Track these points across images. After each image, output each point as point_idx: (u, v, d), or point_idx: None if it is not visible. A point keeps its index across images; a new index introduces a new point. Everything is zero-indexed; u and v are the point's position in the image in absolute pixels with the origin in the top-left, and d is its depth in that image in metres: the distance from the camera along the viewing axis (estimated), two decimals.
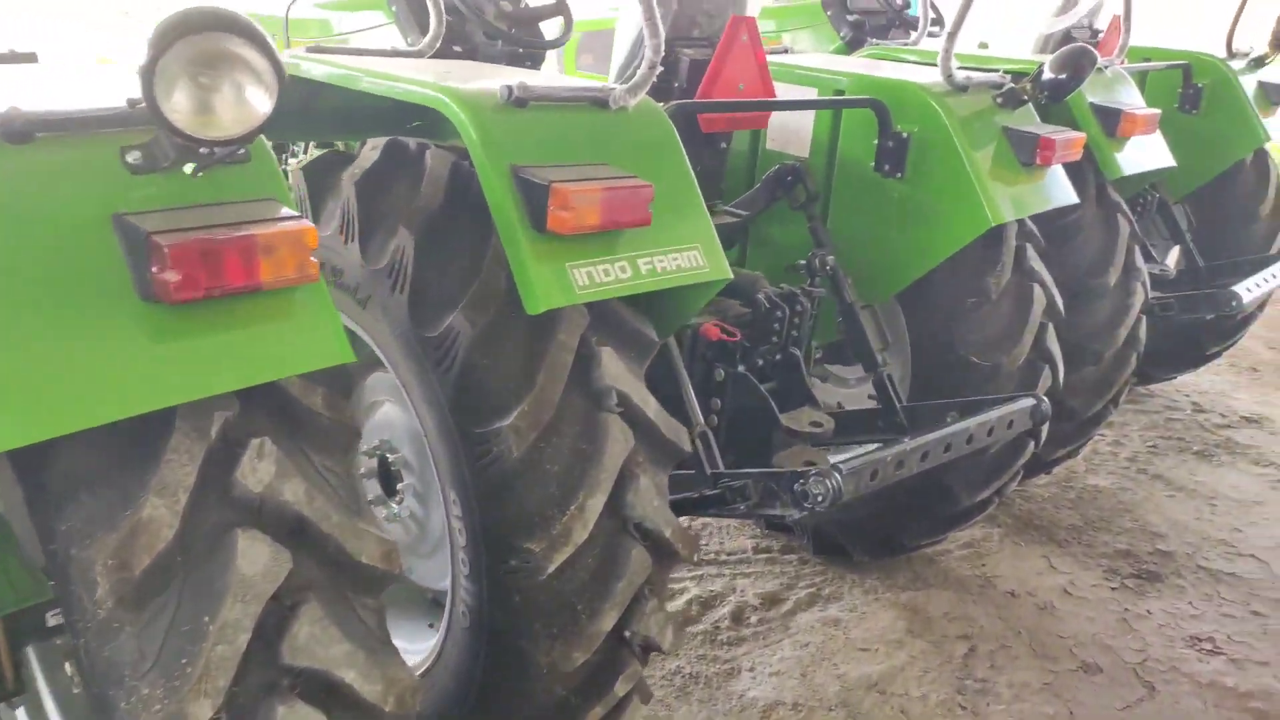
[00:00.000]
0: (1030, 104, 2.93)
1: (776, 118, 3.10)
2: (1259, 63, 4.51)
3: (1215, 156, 4.40)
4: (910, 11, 5.10)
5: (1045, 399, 2.59)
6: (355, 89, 2.02)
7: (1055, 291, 3.03)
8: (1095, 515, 4.02)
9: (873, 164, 2.86)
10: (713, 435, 2.61)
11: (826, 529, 3.43)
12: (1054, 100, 2.85)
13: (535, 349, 1.80)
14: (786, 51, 5.08)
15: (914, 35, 4.17)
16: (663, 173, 1.96)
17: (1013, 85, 2.87)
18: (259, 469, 1.38)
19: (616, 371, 1.86)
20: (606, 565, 1.84)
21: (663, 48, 1.94)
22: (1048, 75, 2.78)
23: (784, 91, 3.10)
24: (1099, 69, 3.49)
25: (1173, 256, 4.75)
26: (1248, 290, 3.74)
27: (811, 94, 3.02)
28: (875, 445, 2.63)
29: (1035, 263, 2.98)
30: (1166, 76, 4.44)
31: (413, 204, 1.88)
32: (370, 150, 2.04)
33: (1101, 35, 4.42)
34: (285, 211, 1.34)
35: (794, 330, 2.66)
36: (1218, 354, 4.89)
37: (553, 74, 2.28)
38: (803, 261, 2.80)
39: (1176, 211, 4.50)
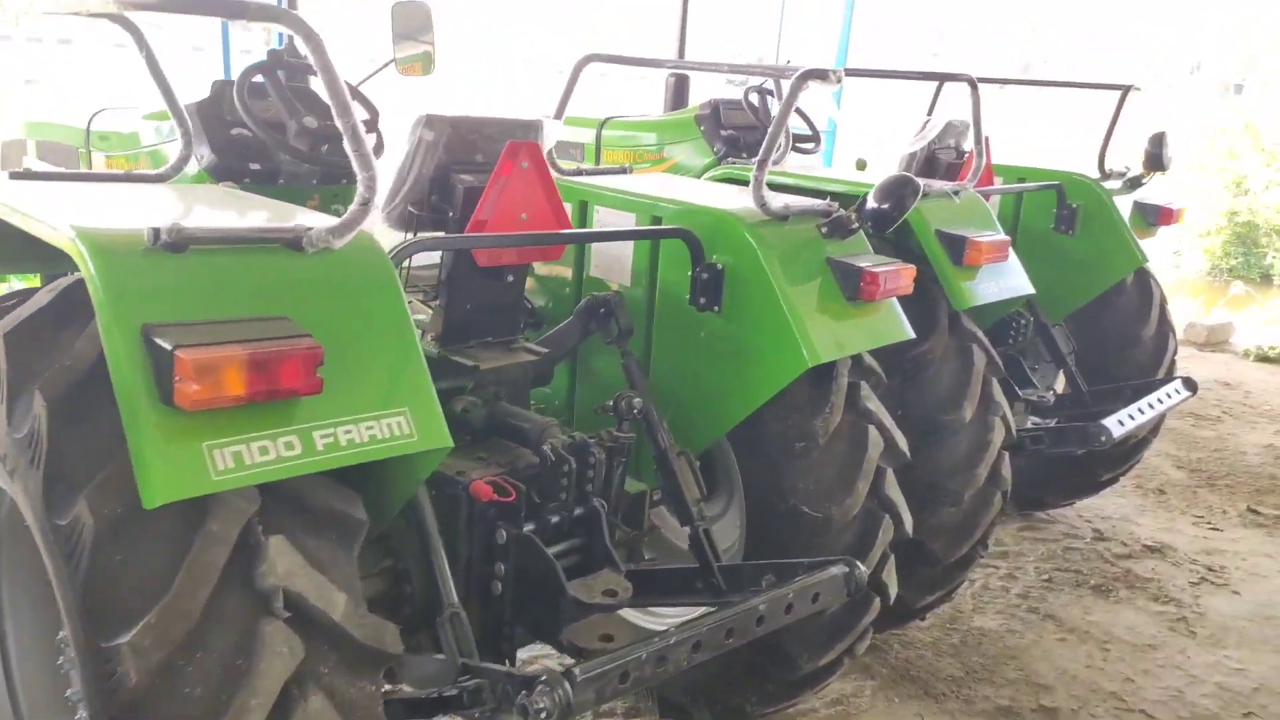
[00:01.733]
0: (860, 233, 2.75)
1: (599, 244, 2.89)
2: (1135, 183, 4.43)
3: (1093, 278, 4.28)
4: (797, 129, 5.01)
5: (858, 565, 2.31)
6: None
7: (895, 433, 2.79)
8: (978, 663, 3.71)
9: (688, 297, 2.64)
10: (498, 605, 2.32)
11: (671, 691, 3.10)
12: (879, 230, 2.66)
13: (178, 544, 1.50)
14: (670, 166, 4.95)
15: (777, 154, 4.03)
16: (372, 325, 1.70)
17: (839, 214, 2.69)
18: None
19: (288, 566, 1.56)
20: None
21: (377, 182, 1.70)
22: (870, 205, 2.60)
23: (604, 216, 2.90)
24: (951, 194, 3.35)
25: (1061, 380, 4.59)
26: (1119, 424, 3.55)
27: (630, 220, 2.82)
28: (704, 610, 2.35)
29: (871, 402, 2.75)
30: (1042, 197, 4.35)
31: (55, 364, 1.59)
32: (43, 294, 1.76)
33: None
34: None
35: (588, 484, 2.38)
36: (1114, 479, 4.69)
37: (254, 209, 2.03)
38: (609, 403, 2.54)
39: (1057, 334, 4.34)
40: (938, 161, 4.04)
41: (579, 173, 3.20)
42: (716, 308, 2.62)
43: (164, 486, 1.39)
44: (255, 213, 1.96)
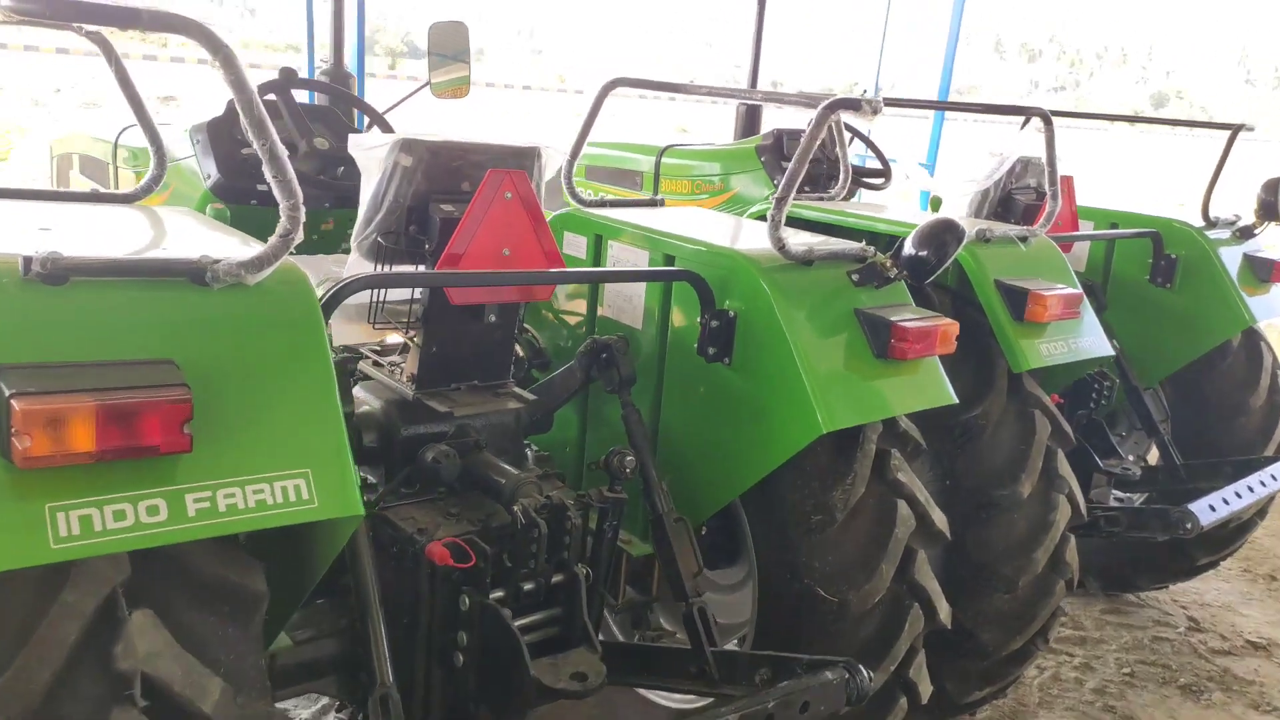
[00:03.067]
0: (901, 283, 2.44)
1: (612, 283, 2.67)
2: (1245, 233, 3.96)
3: (1194, 337, 3.82)
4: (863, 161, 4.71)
5: (861, 670, 2.00)
6: None
7: (932, 509, 2.46)
8: None
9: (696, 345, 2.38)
10: (461, 678, 2.10)
11: None
12: (917, 280, 2.36)
13: (30, 614, 1.32)
14: (731, 197, 4.71)
15: (835, 189, 3.74)
16: (282, 373, 1.51)
17: (873, 260, 2.39)
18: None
19: (151, 647, 1.36)
20: None
21: (301, 212, 1.52)
22: (908, 251, 2.30)
23: (617, 252, 2.68)
24: (1017, 239, 3.01)
25: (1155, 452, 4.12)
26: (1209, 509, 3.10)
27: (644, 258, 2.58)
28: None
29: (903, 474, 2.43)
30: (1137, 245, 3.92)
31: None
32: None
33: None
34: None
35: (563, 549, 2.14)
36: (1212, 565, 4.17)
37: (183, 236, 1.87)
38: (602, 460, 2.30)
39: (1150, 398, 3.89)
40: (1015, 203, 3.67)
41: (601, 203, 2.98)
42: (727, 359, 2.36)
43: None
44: (175, 241, 1.80)
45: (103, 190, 3.46)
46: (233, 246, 1.57)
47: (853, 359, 2.31)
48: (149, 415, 1.29)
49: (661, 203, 3.18)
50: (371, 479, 2.29)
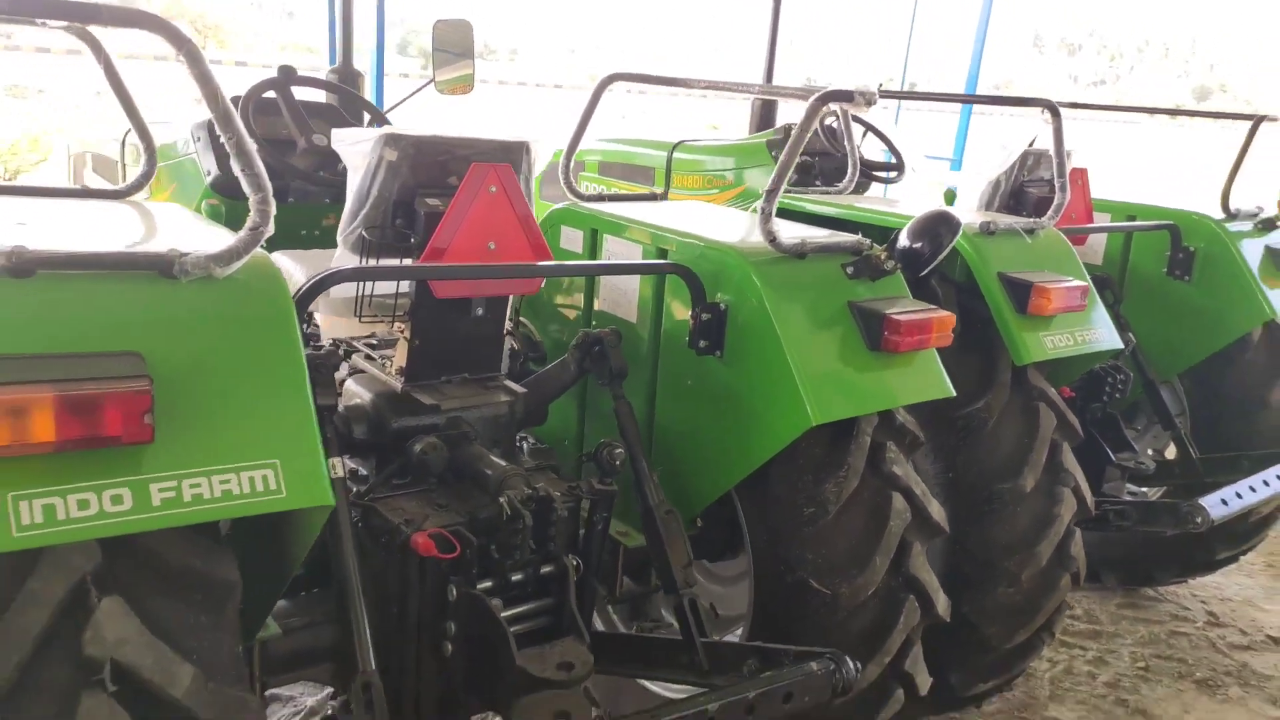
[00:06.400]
0: (897, 275, 2.42)
1: (608, 276, 2.67)
2: (1268, 225, 3.87)
3: (1212, 331, 3.74)
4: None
5: (847, 661, 1.98)
6: None
7: (929, 502, 2.44)
8: None
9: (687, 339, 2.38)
10: (449, 667, 2.12)
11: None
12: (912, 272, 2.34)
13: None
14: (742, 192, 4.68)
15: (842, 183, 3.71)
16: (251, 365, 1.54)
17: (868, 253, 2.37)
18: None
19: (120, 634, 1.39)
20: None
21: (271, 206, 1.55)
22: (903, 243, 2.28)
23: (613, 246, 2.68)
24: (1022, 232, 2.97)
25: (1172, 446, 4.05)
26: (1221, 503, 3.04)
27: (638, 252, 2.58)
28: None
29: (899, 466, 2.41)
30: (1155, 238, 3.85)
31: None
32: None
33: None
34: None
35: (550, 541, 2.15)
36: (1232, 559, 4.09)
37: (160, 229, 1.89)
38: (591, 452, 2.31)
39: (1167, 392, 3.82)
40: (1026, 195, 3.61)
41: (600, 198, 2.98)
42: (718, 352, 2.35)
43: None
44: (149, 235, 1.83)
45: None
46: (207, 240, 1.60)
47: (845, 352, 2.30)
48: (109, 406, 1.31)
49: (664, 197, 3.17)
50: (363, 470, 2.31)
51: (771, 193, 2.24)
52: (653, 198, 3.15)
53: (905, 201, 3.99)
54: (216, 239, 1.68)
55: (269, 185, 1.51)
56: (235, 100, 2.90)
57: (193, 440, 1.43)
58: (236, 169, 1.48)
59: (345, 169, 2.88)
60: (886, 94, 2.37)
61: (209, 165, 2.84)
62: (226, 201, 2.91)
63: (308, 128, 2.80)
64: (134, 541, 1.45)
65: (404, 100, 3.46)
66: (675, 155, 4.74)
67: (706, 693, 1.91)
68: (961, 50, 8.92)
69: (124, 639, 1.39)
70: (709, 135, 4.97)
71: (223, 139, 1.47)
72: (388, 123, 3.07)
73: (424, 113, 3.65)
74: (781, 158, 2.20)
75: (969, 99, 3.11)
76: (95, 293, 1.45)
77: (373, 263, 2.15)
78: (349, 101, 3.36)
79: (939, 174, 5.05)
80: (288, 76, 2.83)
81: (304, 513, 1.58)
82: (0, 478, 1.29)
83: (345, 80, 3.59)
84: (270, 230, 1.54)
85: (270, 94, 2.81)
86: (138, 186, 2.25)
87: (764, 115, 5.22)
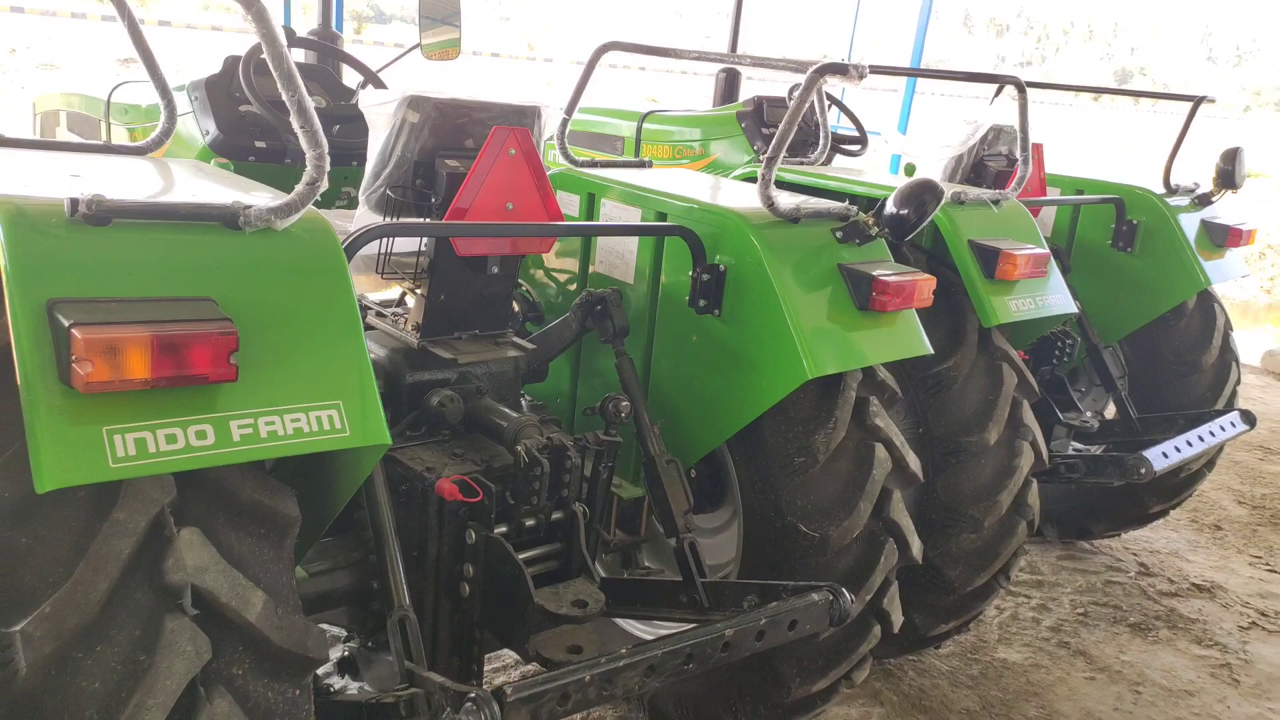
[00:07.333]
0: (880, 240, 2.58)
1: (604, 239, 2.78)
2: (1204, 201, 4.15)
3: (1151, 299, 4.02)
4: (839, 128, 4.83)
5: (844, 593, 2.16)
6: None
7: (907, 453, 2.62)
8: (996, 697, 3.51)
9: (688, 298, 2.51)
10: (466, 607, 2.23)
11: (663, 702, 2.98)
12: (897, 238, 2.49)
13: (83, 532, 1.43)
14: (711, 162, 4.81)
15: (814, 154, 3.87)
16: (312, 312, 1.62)
17: (856, 218, 2.53)
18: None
19: (199, 561, 1.48)
20: None
21: (326, 161, 1.62)
22: (889, 210, 2.43)
23: (610, 210, 2.79)
24: (989, 203, 3.16)
25: (1112, 407, 4.33)
26: (1162, 455, 3.30)
27: (636, 216, 2.70)
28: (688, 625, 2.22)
29: (880, 419, 2.58)
30: (1100, 211, 4.10)
31: None
32: None
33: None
34: None
35: (563, 488, 2.27)
36: (1163, 513, 4.40)
37: (207, 185, 1.96)
38: (597, 405, 2.43)
39: (1109, 356, 4.09)
40: (986, 169, 3.82)
41: (593, 164, 3.08)
42: (717, 311, 2.49)
43: (56, 472, 1.32)
44: (202, 188, 1.89)
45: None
46: (256, 194, 1.67)
47: (836, 311, 2.45)
48: (199, 347, 1.40)
49: (649, 165, 3.29)
50: None
51: (771, 160, 2.37)
52: (641, 164, 3.26)
53: (869, 173, 4.16)
54: (263, 194, 1.75)
55: (325, 142, 1.59)
56: (237, 60, 2.92)
57: (266, 381, 1.51)
58: (296, 125, 1.55)
59: (341, 130, 2.95)
60: (876, 69, 2.51)
61: (208, 126, 2.86)
62: (226, 162, 2.94)
63: (307, 89, 2.83)
64: (205, 477, 1.54)
65: (391, 63, 3.49)
66: (645, 125, 4.84)
67: (723, 619, 2.05)
68: (904, 31, 9.17)
69: (202, 566, 1.48)
70: (678, 106, 5.08)
71: (284, 97, 1.54)
72: (382, 83, 3.11)
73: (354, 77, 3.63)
74: (781, 127, 2.34)
75: (948, 75, 3.26)
76: (168, 241, 1.52)
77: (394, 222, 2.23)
78: (336, 62, 3.39)
79: (897, 146, 5.24)
80: (287, 37, 2.85)
81: (354, 454, 1.68)
82: (97, 413, 1.36)
83: (325, 41, 3.61)
84: (325, 185, 1.62)
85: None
86: (158, 143, 2.29)
87: (727, 89, 5.35)
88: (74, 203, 1.44)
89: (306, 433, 1.53)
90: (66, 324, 1.33)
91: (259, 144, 2.88)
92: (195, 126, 3.00)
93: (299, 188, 1.60)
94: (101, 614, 1.41)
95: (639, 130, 4.83)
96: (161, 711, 1.40)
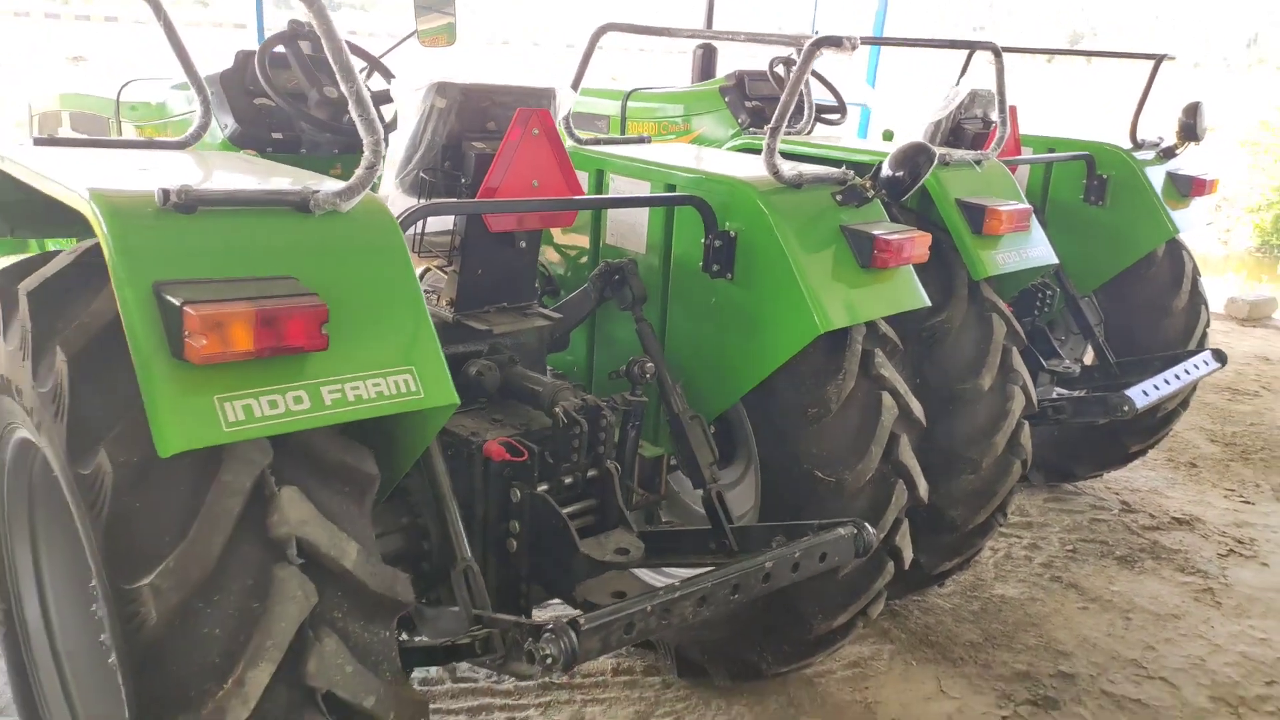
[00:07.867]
0: (876, 201, 2.75)
1: (614, 211, 2.93)
2: (1168, 153, 4.36)
3: (1123, 249, 4.23)
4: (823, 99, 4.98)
5: (867, 527, 2.34)
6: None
7: (911, 400, 2.80)
8: (998, 630, 3.73)
9: (701, 264, 2.67)
10: (514, 561, 2.38)
11: (688, 650, 3.16)
12: (894, 198, 2.66)
13: (195, 493, 1.57)
14: (695, 137, 4.96)
15: (800, 123, 4.03)
16: (379, 286, 1.76)
17: (854, 182, 2.69)
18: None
19: (300, 516, 1.62)
20: None
21: (383, 146, 1.75)
22: (885, 172, 2.60)
23: (619, 184, 2.93)
24: (972, 163, 3.34)
25: (1091, 353, 4.55)
26: (1143, 394, 3.52)
27: (645, 189, 2.85)
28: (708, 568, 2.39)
29: (885, 369, 2.76)
30: (1072, 168, 4.30)
31: (74, 322, 1.66)
32: (65, 255, 1.84)
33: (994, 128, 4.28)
34: None
35: (599, 446, 2.43)
36: (1143, 451, 4.64)
37: (266, 173, 2.09)
38: (623, 368, 2.58)
39: (1086, 306, 4.30)
40: (964, 131, 4.00)
41: (597, 141, 3.23)
42: (729, 275, 2.65)
43: (177, 437, 1.46)
44: (266, 176, 2.02)
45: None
46: (322, 181, 1.80)
47: (840, 269, 2.62)
48: (295, 319, 1.53)
49: (648, 140, 3.43)
50: None
51: (775, 130, 2.53)
52: (640, 140, 3.40)
53: (845, 139, 4.33)
54: (323, 180, 1.88)
55: (381, 129, 1.73)
56: (249, 55, 3.03)
57: (349, 350, 1.65)
58: (354, 113, 1.68)
59: (350, 121, 3.05)
60: (866, 40, 2.67)
61: (225, 120, 2.96)
62: (253, 153, 3.04)
63: (318, 80, 2.95)
64: (298, 439, 1.68)
65: (389, 51, 3.59)
66: (629, 104, 4.97)
67: (761, 554, 2.21)
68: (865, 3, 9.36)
69: (304, 520, 1.63)
70: (660, 83, 5.22)
71: (343, 88, 1.67)
72: (388, 71, 3.22)
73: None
74: (784, 97, 2.49)
75: (927, 43, 3.42)
76: (249, 226, 1.65)
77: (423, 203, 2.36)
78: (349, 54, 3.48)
79: (878, 112, 5.41)
80: (295, 31, 2.96)
81: (423, 416, 1.82)
82: (208, 383, 1.50)
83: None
84: (382, 169, 1.75)
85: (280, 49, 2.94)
86: (195, 138, 2.40)
87: (705, 65, 5.49)
88: (165, 193, 1.57)
89: (387, 395, 1.67)
90: (178, 303, 1.46)
91: (275, 135, 2.99)
92: (213, 120, 3.09)
93: (359, 171, 1.74)
94: (218, 566, 1.55)
95: (624, 108, 4.97)
96: (278, 652, 1.55)
